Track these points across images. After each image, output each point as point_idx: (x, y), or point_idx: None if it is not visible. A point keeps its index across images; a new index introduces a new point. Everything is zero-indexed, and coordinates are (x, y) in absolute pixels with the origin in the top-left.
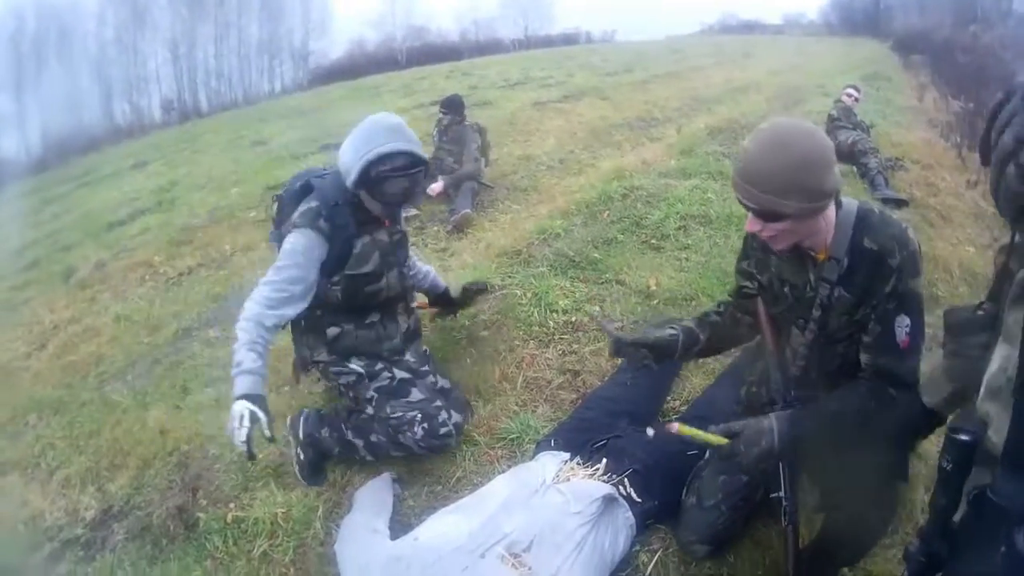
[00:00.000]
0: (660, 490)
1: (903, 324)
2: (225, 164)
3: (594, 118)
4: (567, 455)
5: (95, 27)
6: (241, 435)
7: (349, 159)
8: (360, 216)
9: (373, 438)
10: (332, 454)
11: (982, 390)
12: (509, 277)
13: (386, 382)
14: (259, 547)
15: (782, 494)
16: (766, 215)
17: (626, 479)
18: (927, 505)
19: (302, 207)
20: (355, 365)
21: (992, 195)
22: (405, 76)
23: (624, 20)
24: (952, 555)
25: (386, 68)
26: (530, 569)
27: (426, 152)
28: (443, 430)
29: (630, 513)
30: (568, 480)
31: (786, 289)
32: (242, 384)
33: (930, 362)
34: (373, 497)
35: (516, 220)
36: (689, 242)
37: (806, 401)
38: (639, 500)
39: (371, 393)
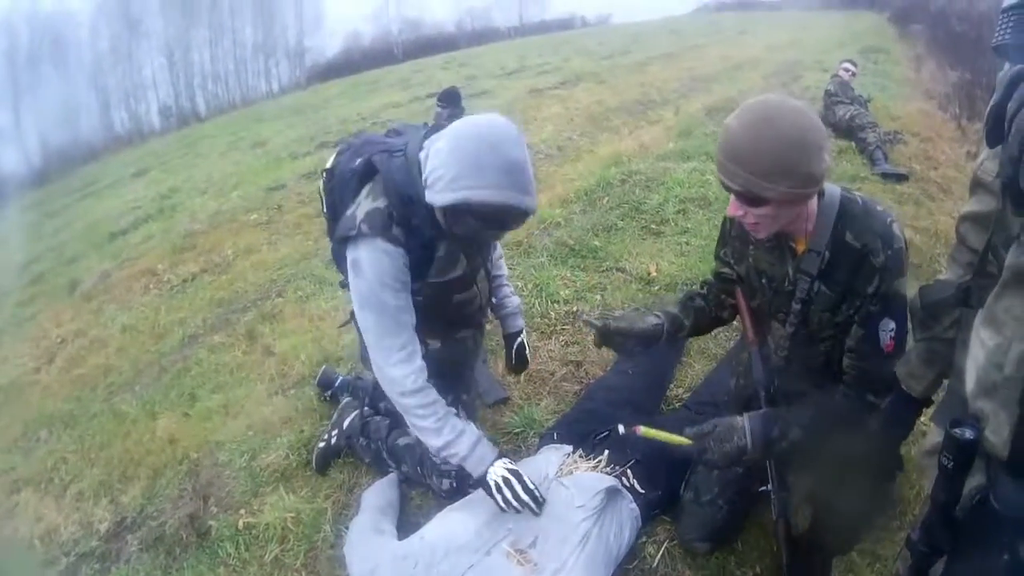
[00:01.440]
0: (664, 479)
1: (887, 328)
2: (225, 167)
3: (591, 103)
4: (569, 448)
5: (89, 38)
6: (521, 499)
7: (441, 173)
8: (436, 222)
9: (404, 468)
10: (363, 461)
11: (972, 384)
12: (510, 268)
13: None
14: (271, 552)
15: (770, 488)
16: (749, 199)
17: (629, 470)
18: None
19: (366, 204)
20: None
21: (1004, 178)
22: (402, 70)
23: (619, 2)
24: (955, 549)
25: (383, 62)
26: (535, 565)
27: None
28: (471, 491)
29: (634, 504)
30: (571, 474)
31: (763, 281)
32: (484, 452)
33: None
34: (380, 498)
35: None
36: (689, 225)
37: (789, 393)
38: (643, 491)
39: None
